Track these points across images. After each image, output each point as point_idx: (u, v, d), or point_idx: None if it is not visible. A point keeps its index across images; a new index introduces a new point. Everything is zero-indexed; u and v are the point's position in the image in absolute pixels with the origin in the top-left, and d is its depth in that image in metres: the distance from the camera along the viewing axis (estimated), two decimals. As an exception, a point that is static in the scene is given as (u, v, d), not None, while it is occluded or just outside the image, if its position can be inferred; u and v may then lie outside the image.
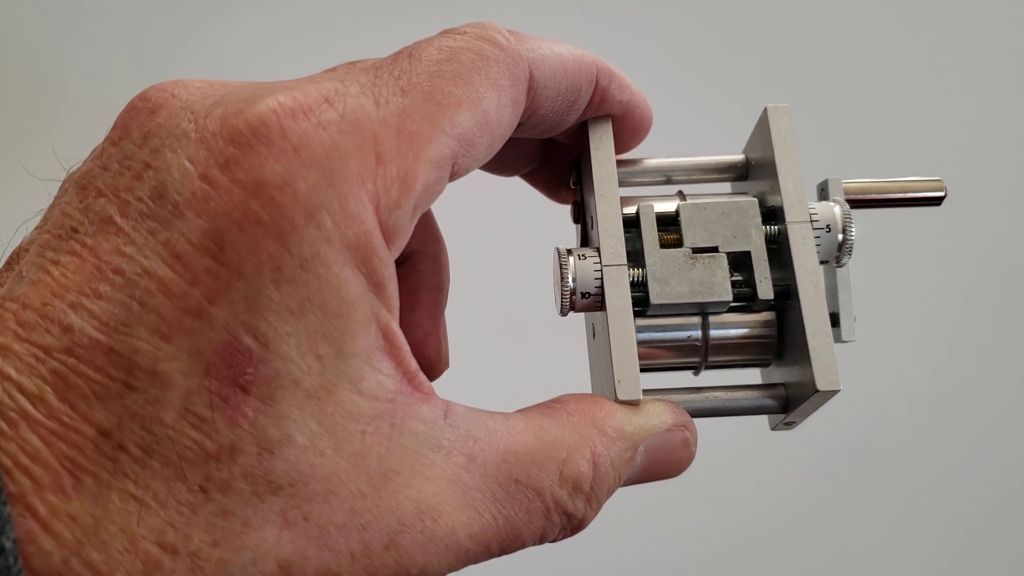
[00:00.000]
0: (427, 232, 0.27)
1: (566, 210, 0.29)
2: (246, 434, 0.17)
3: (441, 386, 0.27)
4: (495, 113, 0.21)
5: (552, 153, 0.29)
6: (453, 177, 0.21)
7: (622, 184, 0.28)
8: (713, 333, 0.25)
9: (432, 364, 0.27)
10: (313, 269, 0.18)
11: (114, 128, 0.20)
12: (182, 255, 0.17)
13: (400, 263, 0.27)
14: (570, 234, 0.29)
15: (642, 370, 0.25)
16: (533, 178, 0.30)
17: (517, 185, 0.30)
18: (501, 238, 0.57)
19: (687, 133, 0.47)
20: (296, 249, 0.18)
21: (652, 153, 0.28)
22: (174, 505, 0.17)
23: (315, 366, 0.18)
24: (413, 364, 0.20)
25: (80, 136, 0.22)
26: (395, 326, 0.19)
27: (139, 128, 0.19)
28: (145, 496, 0.17)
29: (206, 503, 0.17)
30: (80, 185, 0.19)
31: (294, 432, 0.18)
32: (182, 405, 0.17)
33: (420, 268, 0.27)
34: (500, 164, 0.28)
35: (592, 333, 0.28)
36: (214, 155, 0.18)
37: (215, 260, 0.17)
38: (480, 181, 0.29)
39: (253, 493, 0.18)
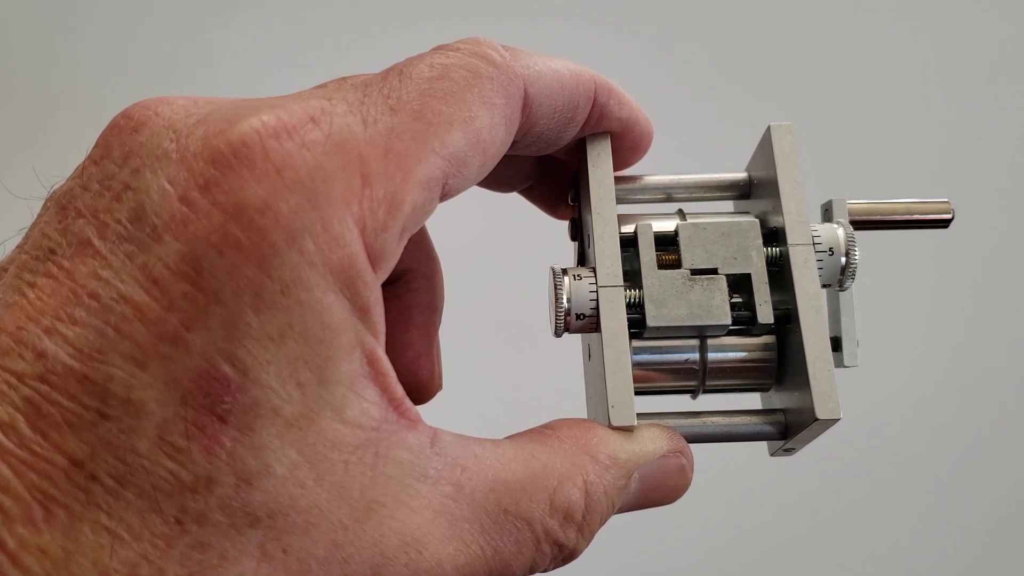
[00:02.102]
0: (421, 250, 0.27)
1: (565, 226, 0.29)
2: (223, 464, 0.17)
3: (433, 407, 0.26)
4: (488, 132, 0.21)
5: (550, 169, 0.28)
6: (444, 197, 0.21)
7: (621, 201, 0.27)
8: (711, 356, 0.25)
9: (424, 386, 0.27)
10: (294, 294, 0.17)
11: (96, 146, 0.19)
12: (159, 280, 0.17)
13: (393, 282, 0.26)
14: (569, 251, 0.29)
15: (638, 393, 0.25)
16: (531, 194, 0.29)
17: (515, 201, 0.30)
18: (497, 255, 0.56)
19: (689, 150, 0.47)
20: (277, 274, 0.17)
21: (653, 170, 0.27)
22: (148, 537, 0.17)
23: (296, 394, 0.18)
24: (399, 391, 0.19)
25: (65, 153, 0.22)
26: (381, 352, 0.19)
27: (120, 147, 0.19)
28: (118, 528, 0.16)
29: (182, 535, 0.17)
30: (60, 205, 0.19)
31: (273, 462, 0.17)
32: (157, 434, 0.17)
33: (413, 287, 0.26)
34: (497, 180, 0.28)
35: (588, 354, 0.27)
36: (194, 176, 0.17)
37: (193, 285, 0.17)
38: (477, 197, 0.29)
39: (230, 525, 0.17)
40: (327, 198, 0.18)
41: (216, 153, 0.18)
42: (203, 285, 0.17)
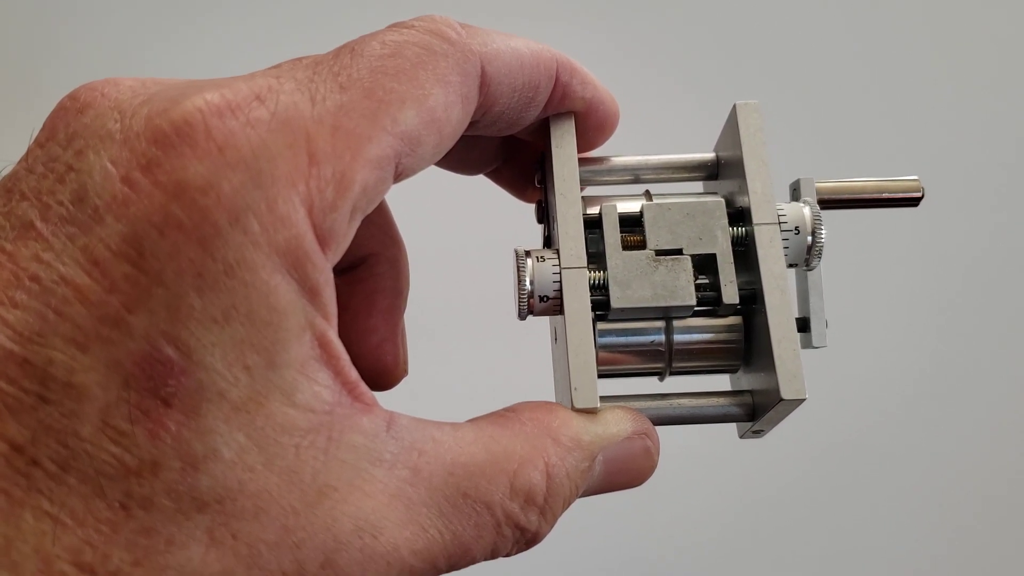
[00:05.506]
0: (385, 234, 0.26)
1: (532, 209, 0.28)
2: (168, 448, 0.17)
3: (398, 393, 0.26)
4: (442, 110, 0.20)
5: (516, 151, 0.28)
6: (399, 178, 0.20)
7: (589, 183, 0.27)
8: (677, 338, 0.25)
9: (390, 371, 0.26)
10: (239, 275, 0.17)
11: (42, 129, 0.19)
12: (100, 261, 0.17)
13: (356, 266, 0.26)
14: (537, 234, 0.29)
15: (604, 376, 0.24)
16: (497, 176, 0.29)
17: (482, 184, 0.29)
18: (465, 239, 0.56)
19: (658, 130, 0.46)
20: (220, 254, 0.17)
21: (620, 151, 0.27)
22: (92, 523, 0.16)
23: (243, 377, 0.17)
24: (353, 374, 0.19)
25: (23, 138, 0.21)
26: (332, 334, 0.19)
27: (65, 129, 0.19)
28: (61, 514, 0.16)
29: (127, 520, 0.16)
30: (5, 188, 0.19)
31: (220, 446, 0.17)
32: (100, 418, 0.16)
33: (377, 271, 0.26)
34: (461, 162, 0.27)
35: (554, 336, 0.27)
36: (136, 157, 0.17)
37: (134, 267, 0.17)
38: (443, 179, 0.28)
39: (177, 510, 0.17)
40: (272, 177, 0.17)
41: (158, 132, 0.17)
42: (145, 266, 0.17)
